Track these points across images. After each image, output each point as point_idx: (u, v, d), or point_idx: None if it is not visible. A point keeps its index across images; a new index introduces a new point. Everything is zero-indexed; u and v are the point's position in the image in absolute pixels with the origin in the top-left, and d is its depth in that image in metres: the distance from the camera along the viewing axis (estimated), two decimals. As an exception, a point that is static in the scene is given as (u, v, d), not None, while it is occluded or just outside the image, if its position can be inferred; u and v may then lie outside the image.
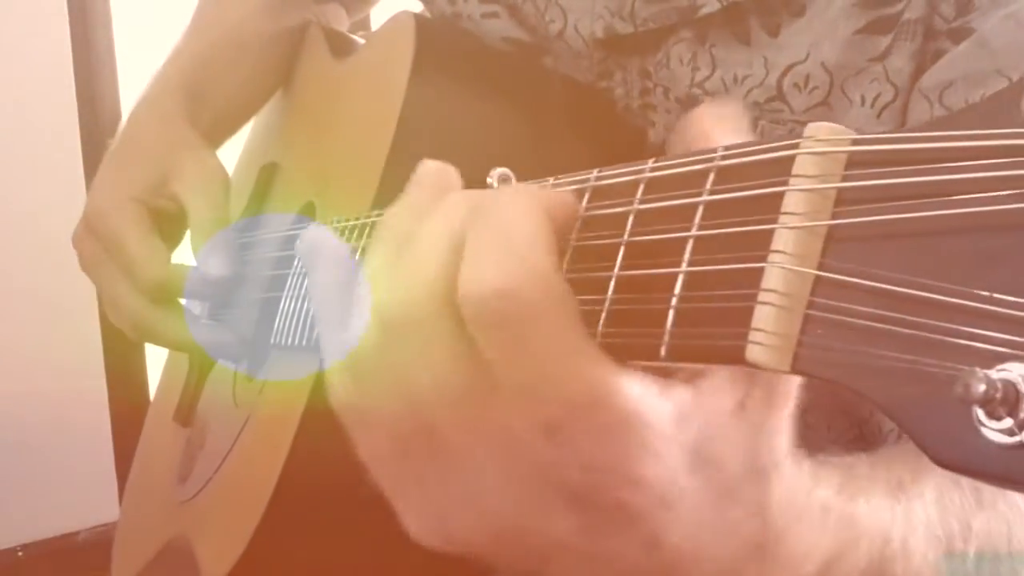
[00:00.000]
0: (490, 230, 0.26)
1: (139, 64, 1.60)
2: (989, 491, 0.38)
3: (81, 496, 1.64)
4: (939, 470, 0.36)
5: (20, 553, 1.63)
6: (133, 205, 0.60)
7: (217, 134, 0.67)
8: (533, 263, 0.25)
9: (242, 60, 0.69)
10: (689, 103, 0.51)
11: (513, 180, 0.47)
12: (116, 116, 1.61)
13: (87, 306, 1.57)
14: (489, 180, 0.47)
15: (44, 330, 1.60)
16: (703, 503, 0.27)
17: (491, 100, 0.53)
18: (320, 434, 0.46)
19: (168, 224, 0.61)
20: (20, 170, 1.56)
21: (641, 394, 0.25)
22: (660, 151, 0.53)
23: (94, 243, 0.62)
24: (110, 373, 1.66)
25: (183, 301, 0.61)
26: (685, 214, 0.24)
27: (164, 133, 0.63)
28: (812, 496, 0.31)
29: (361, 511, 0.47)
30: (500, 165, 0.47)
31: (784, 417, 0.28)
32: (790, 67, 0.47)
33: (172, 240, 0.62)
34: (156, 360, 1.63)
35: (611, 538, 0.27)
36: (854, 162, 0.20)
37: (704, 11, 0.49)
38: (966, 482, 0.38)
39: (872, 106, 0.46)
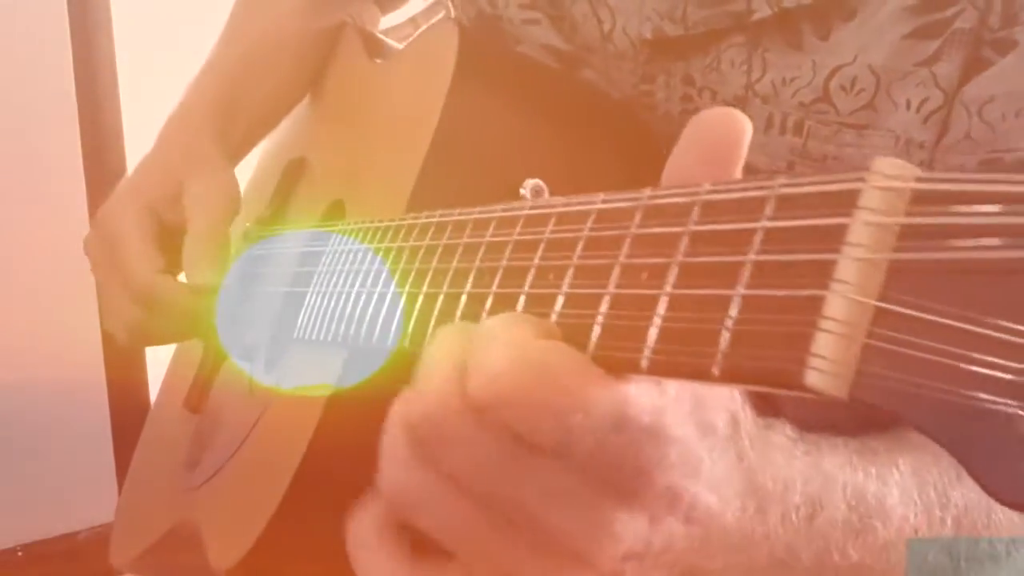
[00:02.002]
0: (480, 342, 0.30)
1: (139, 65, 1.60)
2: None
3: (81, 496, 1.64)
4: (914, 448, 0.38)
5: (20, 553, 1.63)
6: (141, 212, 0.61)
7: (247, 144, 0.69)
8: (522, 348, 0.28)
9: (278, 65, 0.71)
10: (737, 105, 0.51)
11: (546, 192, 0.47)
12: (116, 116, 1.61)
13: (87, 307, 1.57)
14: (522, 191, 0.47)
15: (44, 331, 1.60)
16: (713, 465, 0.30)
17: (528, 113, 0.54)
18: (342, 429, 0.47)
19: (175, 238, 0.62)
20: (20, 171, 1.56)
21: (641, 392, 0.28)
22: None
23: (99, 244, 0.63)
24: (110, 373, 1.66)
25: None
26: (743, 238, 0.25)
27: (188, 148, 0.64)
28: (773, 434, 0.34)
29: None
30: (533, 177, 0.47)
31: None
32: (837, 68, 0.48)
33: (177, 254, 0.62)
34: (156, 360, 1.63)
35: (664, 516, 0.30)
36: (919, 198, 0.21)
37: (756, 16, 0.49)
38: (946, 458, 0.39)
39: (918, 111, 0.47)
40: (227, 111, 0.67)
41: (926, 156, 0.48)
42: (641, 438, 0.29)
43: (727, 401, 0.31)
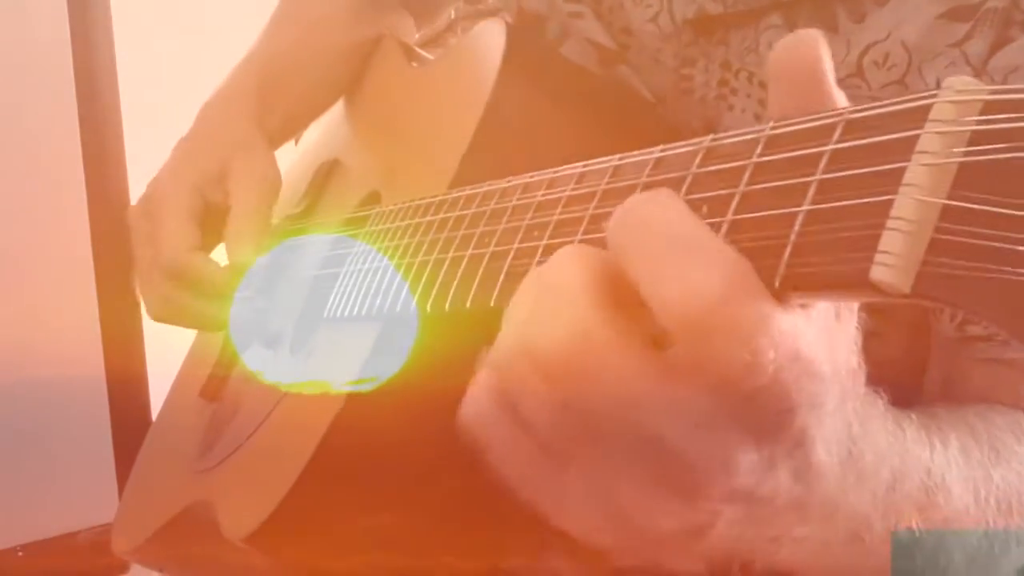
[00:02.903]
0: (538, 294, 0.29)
1: (139, 64, 1.61)
2: (1005, 449, 0.41)
3: (81, 496, 1.64)
4: (958, 427, 0.38)
5: (20, 553, 1.63)
6: (188, 192, 0.63)
7: (283, 134, 0.71)
8: (579, 311, 0.28)
9: (316, 67, 0.73)
10: None
11: None
12: (116, 116, 1.62)
13: (87, 306, 1.58)
14: None
15: (43, 331, 1.60)
16: (831, 420, 0.29)
17: (567, 112, 0.55)
18: (366, 410, 0.47)
19: (217, 217, 0.63)
20: (20, 171, 1.56)
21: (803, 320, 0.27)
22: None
23: (144, 219, 0.64)
24: (110, 373, 1.66)
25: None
26: (809, 161, 0.26)
27: (230, 131, 0.67)
28: (874, 405, 0.33)
29: (396, 484, 0.48)
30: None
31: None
32: (871, 45, 0.50)
33: (218, 233, 0.64)
34: (156, 360, 1.64)
35: (780, 463, 0.29)
36: (989, 107, 0.22)
37: None
38: (985, 438, 0.40)
39: None
40: (265, 99, 0.69)
41: None
42: (807, 370, 0.27)
43: (846, 357, 0.29)
